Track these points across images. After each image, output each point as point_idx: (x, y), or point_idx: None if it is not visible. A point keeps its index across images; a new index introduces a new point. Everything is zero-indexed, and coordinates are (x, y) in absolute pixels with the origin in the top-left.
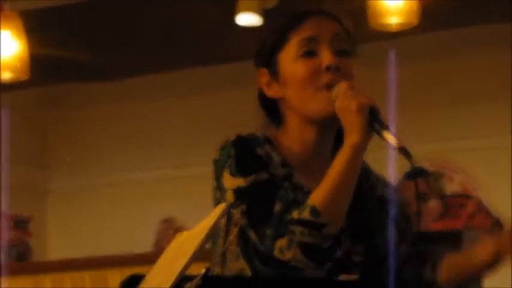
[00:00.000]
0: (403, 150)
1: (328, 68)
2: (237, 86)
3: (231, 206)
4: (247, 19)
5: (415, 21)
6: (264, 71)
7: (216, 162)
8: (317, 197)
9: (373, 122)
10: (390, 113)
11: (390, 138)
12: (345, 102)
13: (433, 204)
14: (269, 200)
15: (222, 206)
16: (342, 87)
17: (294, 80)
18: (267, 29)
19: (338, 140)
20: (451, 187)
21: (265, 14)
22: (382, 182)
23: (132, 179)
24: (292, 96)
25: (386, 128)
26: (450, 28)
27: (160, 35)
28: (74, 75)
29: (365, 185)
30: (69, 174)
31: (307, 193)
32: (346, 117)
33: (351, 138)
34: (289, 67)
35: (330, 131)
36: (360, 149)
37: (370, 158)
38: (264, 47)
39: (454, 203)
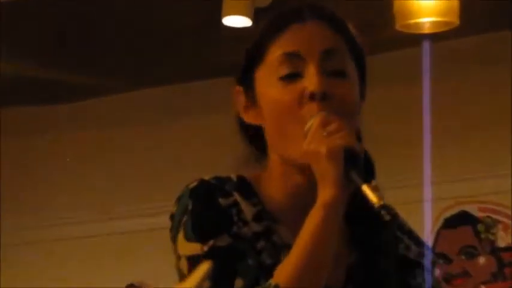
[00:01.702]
0: (384, 209)
1: (312, 96)
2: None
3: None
4: (235, 22)
5: (455, 20)
6: (239, 89)
7: (172, 217)
8: (282, 273)
9: (350, 170)
10: (425, 142)
11: (370, 193)
12: (312, 145)
13: (483, 261)
14: (228, 275)
15: (205, 267)
16: (313, 122)
17: (270, 109)
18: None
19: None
20: (507, 239)
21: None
22: (412, 240)
23: (86, 232)
24: (269, 129)
25: (367, 179)
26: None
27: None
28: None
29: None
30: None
31: None
32: (316, 165)
33: (322, 194)
34: (265, 90)
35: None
36: (333, 207)
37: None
38: (243, 60)
39: (510, 260)
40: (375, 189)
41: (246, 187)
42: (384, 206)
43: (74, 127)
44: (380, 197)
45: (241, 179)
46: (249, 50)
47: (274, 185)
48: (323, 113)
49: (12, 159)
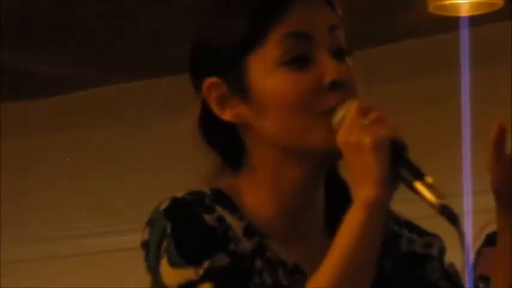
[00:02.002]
0: (445, 211)
1: (333, 85)
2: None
3: None
4: None
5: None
6: (215, 80)
7: (146, 245)
8: (321, 278)
9: (398, 165)
10: (464, 143)
11: (425, 191)
12: (353, 136)
13: None
14: None
15: None
16: (349, 109)
17: (277, 101)
18: (221, 11)
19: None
20: None
21: None
22: (413, 231)
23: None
24: (271, 125)
25: (419, 174)
26: None
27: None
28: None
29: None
30: None
31: (294, 271)
32: (356, 158)
33: (364, 191)
34: (266, 80)
35: (322, 170)
36: (378, 208)
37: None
38: (218, 44)
39: None
40: (430, 187)
41: (225, 200)
42: (445, 207)
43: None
44: (439, 195)
45: (216, 191)
46: (233, 32)
47: (259, 193)
48: (357, 101)
49: None
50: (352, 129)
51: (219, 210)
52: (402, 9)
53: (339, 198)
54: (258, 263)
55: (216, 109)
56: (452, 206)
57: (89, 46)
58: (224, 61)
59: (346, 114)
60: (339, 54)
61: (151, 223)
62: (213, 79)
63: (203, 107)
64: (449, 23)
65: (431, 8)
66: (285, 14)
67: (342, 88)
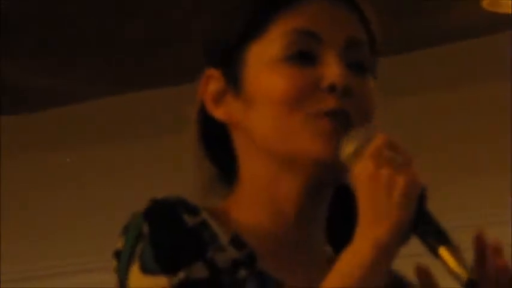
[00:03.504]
0: (473, 286)
1: (332, 88)
2: None
3: None
4: None
5: None
6: (215, 73)
7: (118, 254)
8: None
9: (423, 219)
10: None
11: (451, 260)
12: (383, 169)
13: None
14: None
15: None
16: (376, 141)
17: (267, 97)
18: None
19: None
20: None
21: None
22: None
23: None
24: (259, 125)
25: (446, 238)
26: None
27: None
28: None
29: None
30: None
31: None
32: (379, 194)
33: (378, 231)
34: (263, 72)
35: (324, 190)
36: (388, 252)
37: None
38: (219, 33)
39: None
40: (457, 255)
41: (212, 212)
42: (474, 283)
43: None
44: (467, 268)
45: (207, 210)
46: (234, 20)
47: (252, 208)
48: (385, 135)
49: None
50: (381, 162)
51: (204, 215)
52: (450, 7)
53: (342, 208)
54: (242, 274)
55: (209, 104)
56: (500, 235)
57: (88, 58)
58: (223, 51)
59: (364, 145)
60: (356, 67)
61: (126, 230)
62: (211, 71)
63: (200, 109)
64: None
65: (484, 3)
66: (294, 9)
67: (344, 96)
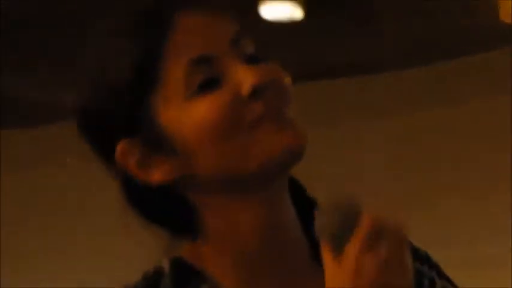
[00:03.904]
0: None
1: (254, 92)
2: None
3: None
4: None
5: None
6: (127, 145)
7: None
8: None
9: None
10: None
11: None
12: (362, 279)
13: None
14: None
15: None
16: (360, 231)
17: (200, 134)
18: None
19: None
20: None
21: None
22: (441, 277)
23: None
24: (205, 162)
25: None
26: None
27: None
28: None
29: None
30: None
31: None
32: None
33: None
34: (181, 119)
35: (284, 192)
36: None
37: None
38: (112, 101)
39: None
40: None
41: (185, 274)
42: None
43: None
44: None
45: (175, 264)
46: (124, 81)
47: (220, 259)
48: (368, 215)
49: None
50: (364, 269)
51: None
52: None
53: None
54: None
55: (140, 175)
56: None
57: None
58: (127, 119)
59: (342, 229)
60: (252, 61)
61: None
62: (123, 144)
63: (124, 178)
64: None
65: (501, 15)
66: (175, 39)
67: (267, 92)
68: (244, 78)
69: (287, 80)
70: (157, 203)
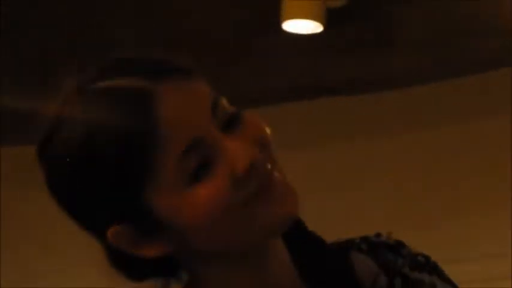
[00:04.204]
0: None
1: (247, 173)
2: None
3: None
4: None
5: None
6: (122, 228)
7: None
8: None
9: None
10: None
11: None
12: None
13: None
14: None
15: None
16: None
17: (199, 222)
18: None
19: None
20: None
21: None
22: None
23: None
24: (203, 245)
25: None
26: None
27: None
28: None
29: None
30: None
31: None
32: None
33: None
34: (177, 208)
35: (276, 246)
36: None
37: None
38: (102, 193)
39: None
40: None
41: None
42: None
43: None
44: None
45: None
46: (114, 173)
47: None
48: None
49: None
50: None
51: None
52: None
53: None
54: None
55: (133, 252)
56: None
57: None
58: (121, 208)
59: None
60: (230, 122)
61: None
62: (116, 228)
63: (110, 250)
64: None
65: None
66: (163, 134)
67: (258, 164)
68: (237, 156)
69: (267, 130)
70: (147, 267)
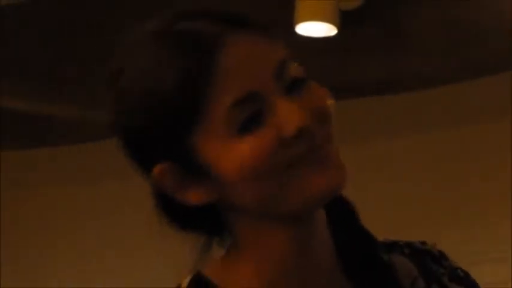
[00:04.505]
0: None
1: (297, 135)
2: None
3: None
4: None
5: None
6: (167, 167)
7: None
8: None
9: None
10: None
11: None
12: None
13: None
14: None
15: None
16: None
17: (240, 175)
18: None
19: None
20: None
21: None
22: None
23: None
24: (242, 199)
25: None
26: None
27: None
28: None
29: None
30: None
31: None
32: None
33: None
34: (223, 156)
35: (317, 219)
36: None
37: None
38: (154, 127)
39: None
40: None
41: None
42: None
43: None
44: None
45: (195, 280)
46: (166, 109)
47: (244, 270)
48: None
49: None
50: None
51: None
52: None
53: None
54: None
55: (176, 196)
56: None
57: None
58: (169, 145)
59: None
60: (293, 86)
61: None
62: (163, 165)
63: (158, 193)
64: None
65: None
66: (218, 75)
67: (310, 130)
68: (288, 118)
69: (331, 105)
70: (192, 215)
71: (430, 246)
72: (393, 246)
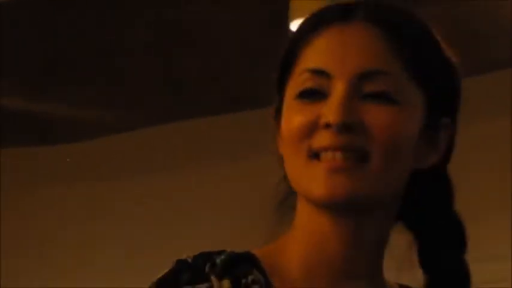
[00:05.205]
0: None
1: (328, 126)
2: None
3: None
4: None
5: None
6: (272, 111)
7: None
8: None
9: None
10: None
11: None
12: None
13: None
14: None
15: None
16: None
17: (284, 136)
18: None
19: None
20: None
21: None
22: None
23: None
24: (286, 163)
25: None
26: None
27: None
28: None
29: None
30: None
31: None
32: None
33: None
34: (284, 113)
35: (365, 216)
36: None
37: None
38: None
39: None
40: None
41: (244, 263)
42: None
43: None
44: None
45: (241, 255)
46: (281, 58)
47: (296, 247)
48: None
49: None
50: None
51: (213, 281)
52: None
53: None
54: None
55: (277, 140)
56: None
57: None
58: (278, 89)
59: None
60: (376, 97)
61: None
62: (272, 109)
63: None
64: None
65: None
66: (312, 45)
67: (343, 132)
68: (331, 110)
69: (394, 128)
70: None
71: None
72: None
